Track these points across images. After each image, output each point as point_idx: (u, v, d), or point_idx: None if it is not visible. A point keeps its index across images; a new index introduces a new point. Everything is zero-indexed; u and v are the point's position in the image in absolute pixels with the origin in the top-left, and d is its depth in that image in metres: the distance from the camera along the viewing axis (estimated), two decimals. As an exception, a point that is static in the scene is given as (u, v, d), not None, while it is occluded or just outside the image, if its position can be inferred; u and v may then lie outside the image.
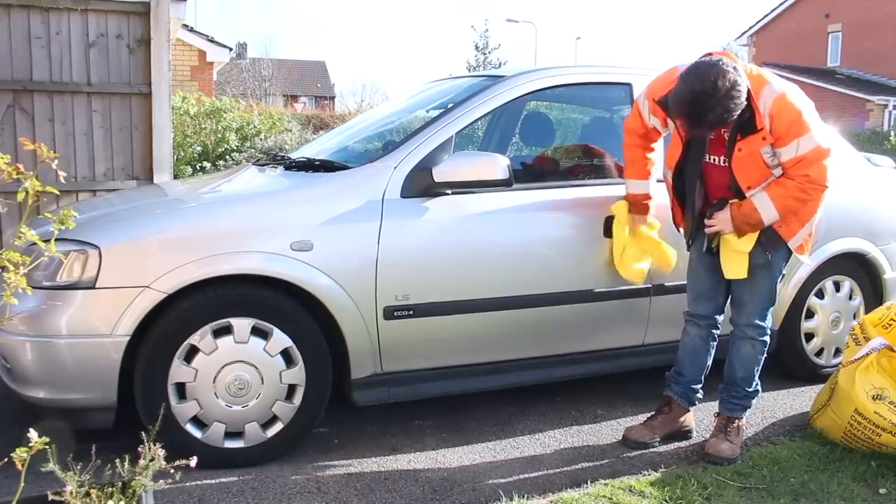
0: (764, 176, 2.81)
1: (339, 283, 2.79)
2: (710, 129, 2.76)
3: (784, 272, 3.03)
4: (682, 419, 3.16)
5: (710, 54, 2.72)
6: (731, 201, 2.87)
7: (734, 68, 2.64)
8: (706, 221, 2.93)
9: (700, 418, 3.33)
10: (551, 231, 3.18)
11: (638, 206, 3.17)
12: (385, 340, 2.91)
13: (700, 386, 3.17)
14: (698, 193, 2.96)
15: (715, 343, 3.15)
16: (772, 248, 2.89)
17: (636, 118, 3.09)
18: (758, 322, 2.99)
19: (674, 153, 3.00)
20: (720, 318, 3.13)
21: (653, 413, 3.18)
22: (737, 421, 3.03)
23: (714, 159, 2.92)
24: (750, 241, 2.88)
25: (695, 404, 3.17)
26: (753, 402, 3.08)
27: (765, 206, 2.80)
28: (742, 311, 3.01)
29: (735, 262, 2.94)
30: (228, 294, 2.72)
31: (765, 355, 3.04)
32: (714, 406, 3.15)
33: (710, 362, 3.17)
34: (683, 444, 3.13)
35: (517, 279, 3.09)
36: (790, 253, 2.96)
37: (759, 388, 3.08)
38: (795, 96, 2.77)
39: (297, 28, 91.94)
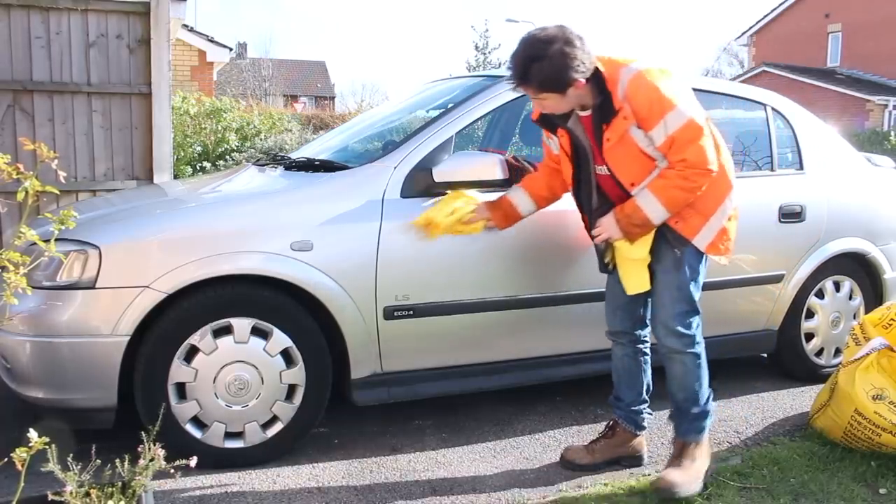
0: (646, 168, 2.55)
1: (339, 283, 2.79)
2: (535, 89, 2.48)
3: (701, 274, 2.68)
4: (631, 444, 2.92)
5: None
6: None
7: (580, 40, 2.44)
8: (592, 231, 2.70)
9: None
10: (551, 231, 3.18)
11: (502, 211, 2.89)
12: (385, 340, 2.91)
13: (644, 407, 2.91)
14: (594, 208, 2.73)
15: (647, 358, 2.89)
16: (679, 244, 2.61)
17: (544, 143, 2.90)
18: (678, 329, 2.64)
19: (566, 170, 2.79)
20: (644, 331, 2.86)
21: (597, 436, 2.99)
22: (692, 446, 2.69)
23: (601, 169, 2.66)
24: (644, 246, 2.61)
25: (643, 428, 2.92)
26: (708, 422, 2.74)
27: (648, 202, 2.52)
28: (657, 323, 2.71)
29: (633, 273, 2.68)
30: (228, 294, 2.72)
31: (703, 368, 2.70)
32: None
33: (647, 380, 2.91)
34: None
35: (517, 279, 3.09)
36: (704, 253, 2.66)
37: (709, 406, 2.73)
38: (657, 73, 2.51)
39: (298, 27, 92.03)
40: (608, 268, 2.76)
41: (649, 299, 2.77)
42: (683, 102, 2.50)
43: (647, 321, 2.84)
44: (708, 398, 2.74)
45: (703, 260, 2.68)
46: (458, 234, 2.86)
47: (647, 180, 2.55)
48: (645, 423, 2.94)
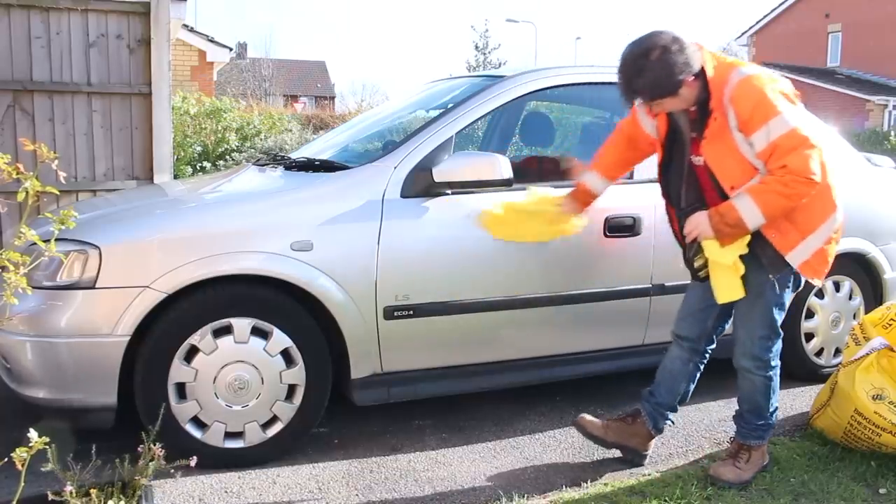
0: (746, 173, 2.53)
1: (339, 283, 2.79)
2: (648, 99, 2.55)
3: (786, 299, 2.69)
4: (642, 438, 2.92)
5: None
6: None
7: (677, 42, 2.47)
8: (684, 230, 2.67)
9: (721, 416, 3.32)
10: (551, 231, 3.18)
11: (578, 198, 2.95)
12: (385, 340, 2.91)
13: (671, 414, 2.95)
14: (684, 198, 2.71)
15: (698, 372, 2.93)
16: (774, 269, 2.60)
17: (629, 117, 2.90)
18: (756, 354, 2.71)
19: (657, 157, 2.84)
20: (709, 346, 2.91)
21: (617, 415, 3.03)
22: (751, 450, 2.78)
23: (698, 160, 2.65)
24: (734, 251, 2.56)
25: (661, 431, 2.95)
26: (769, 432, 2.83)
27: (744, 203, 2.48)
28: (736, 341, 2.76)
29: (724, 280, 2.61)
30: (228, 294, 2.72)
31: (773, 388, 2.77)
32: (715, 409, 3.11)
33: (688, 390, 2.94)
34: (683, 445, 3.12)
35: (517, 279, 3.09)
36: (799, 280, 2.68)
37: (772, 420, 2.82)
38: (766, 80, 2.52)
39: (300, 26, 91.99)
40: (699, 276, 2.70)
41: (722, 315, 2.83)
42: (789, 111, 2.48)
43: (714, 338, 2.90)
44: (772, 413, 2.80)
45: (797, 286, 2.70)
46: (548, 238, 2.93)
47: (747, 186, 2.51)
48: (662, 427, 2.95)
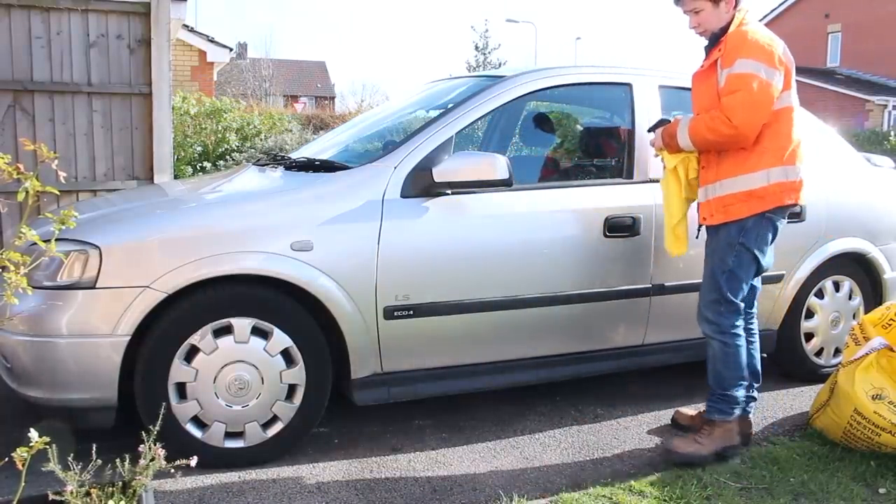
0: (711, 106, 2.81)
1: (340, 283, 2.79)
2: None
3: (735, 265, 2.83)
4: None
5: None
6: None
7: None
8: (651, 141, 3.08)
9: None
10: (551, 231, 3.18)
11: None
12: (385, 340, 2.91)
13: (752, 391, 3.03)
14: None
15: (752, 346, 3.00)
16: (721, 236, 2.84)
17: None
18: (708, 317, 2.89)
19: None
20: (749, 321, 3.01)
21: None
22: (714, 425, 2.89)
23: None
24: (674, 160, 2.95)
25: (746, 412, 3.02)
26: (732, 407, 2.91)
27: (683, 123, 2.87)
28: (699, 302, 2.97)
29: (668, 190, 3.03)
30: (229, 294, 2.72)
31: (731, 357, 2.88)
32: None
33: (753, 365, 3.02)
34: (683, 443, 3.12)
35: (517, 279, 3.09)
36: (752, 253, 2.83)
37: (734, 393, 2.90)
38: (758, 34, 2.78)
39: (301, 26, 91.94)
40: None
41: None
42: (757, 62, 2.71)
43: (749, 312, 3.00)
44: (734, 387, 2.90)
45: (741, 254, 2.82)
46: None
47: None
48: (748, 408, 3.02)
